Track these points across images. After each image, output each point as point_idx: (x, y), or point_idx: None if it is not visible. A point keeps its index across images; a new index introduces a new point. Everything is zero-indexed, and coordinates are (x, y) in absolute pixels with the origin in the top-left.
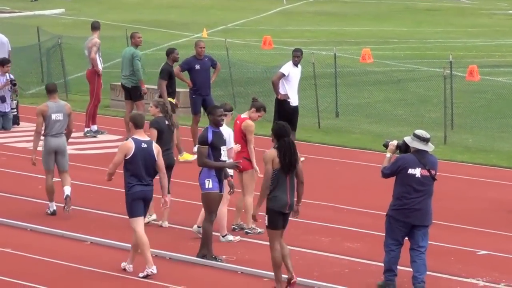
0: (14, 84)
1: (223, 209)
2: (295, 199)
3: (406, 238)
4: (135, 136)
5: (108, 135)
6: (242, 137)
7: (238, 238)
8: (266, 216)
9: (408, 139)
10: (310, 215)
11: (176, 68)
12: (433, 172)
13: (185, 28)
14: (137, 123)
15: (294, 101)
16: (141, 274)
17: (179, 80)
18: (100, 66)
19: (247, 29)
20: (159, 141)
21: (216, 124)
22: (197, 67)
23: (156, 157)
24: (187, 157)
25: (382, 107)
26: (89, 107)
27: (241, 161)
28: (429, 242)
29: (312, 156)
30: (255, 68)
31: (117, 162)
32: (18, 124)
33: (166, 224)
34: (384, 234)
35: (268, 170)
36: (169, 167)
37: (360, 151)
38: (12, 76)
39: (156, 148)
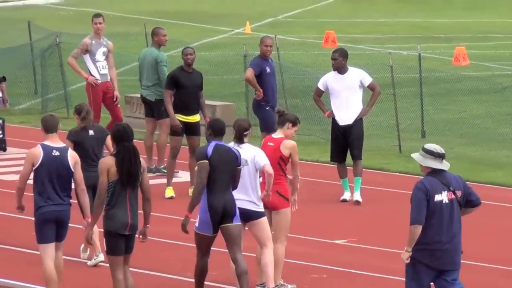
0: (4, 79)
1: (267, 254)
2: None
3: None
4: (45, 142)
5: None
6: (277, 163)
7: None
8: (104, 239)
9: (418, 158)
10: (390, 268)
11: (249, 71)
12: (458, 194)
13: (222, 21)
14: (47, 126)
15: (341, 119)
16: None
17: (252, 86)
18: (96, 73)
19: (303, 21)
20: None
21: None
22: (268, 70)
23: (72, 168)
24: None
25: (482, 124)
26: None
27: (266, 193)
28: None
29: (391, 189)
30: (314, 74)
31: (25, 174)
32: (4, 150)
33: (101, 257)
34: (405, 281)
35: (103, 182)
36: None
37: None
38: None
39: (72, 158)
